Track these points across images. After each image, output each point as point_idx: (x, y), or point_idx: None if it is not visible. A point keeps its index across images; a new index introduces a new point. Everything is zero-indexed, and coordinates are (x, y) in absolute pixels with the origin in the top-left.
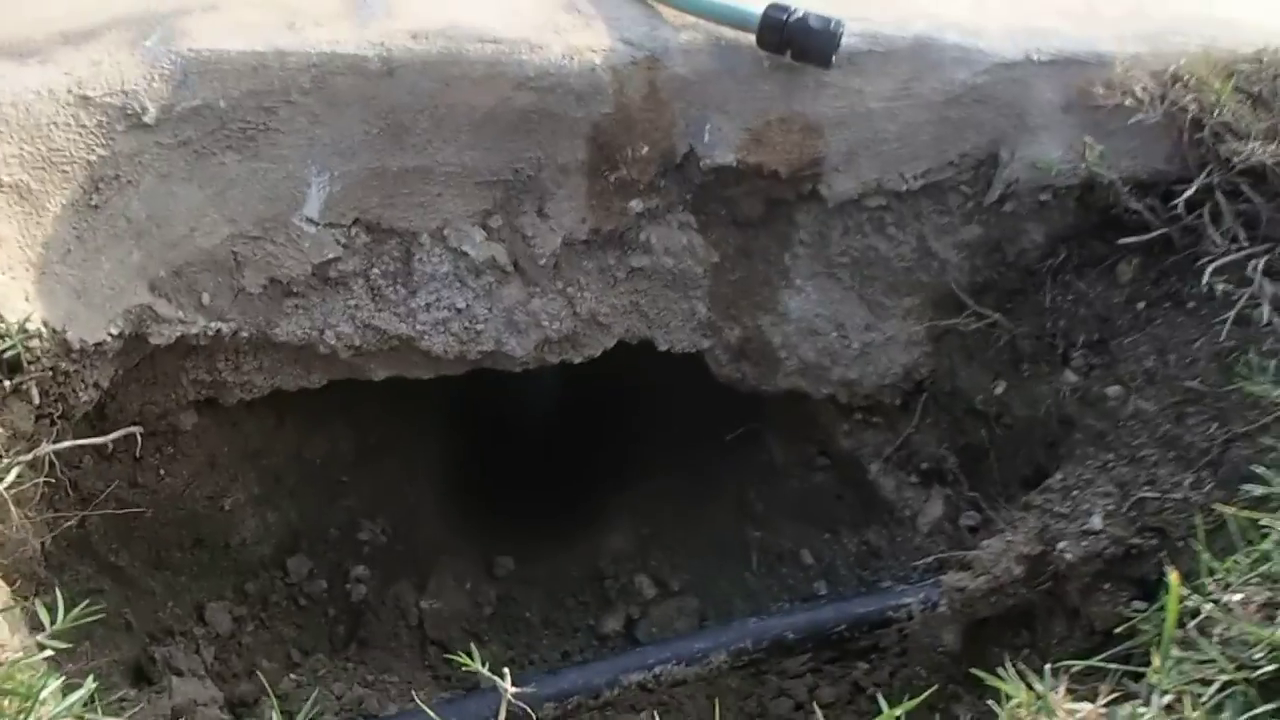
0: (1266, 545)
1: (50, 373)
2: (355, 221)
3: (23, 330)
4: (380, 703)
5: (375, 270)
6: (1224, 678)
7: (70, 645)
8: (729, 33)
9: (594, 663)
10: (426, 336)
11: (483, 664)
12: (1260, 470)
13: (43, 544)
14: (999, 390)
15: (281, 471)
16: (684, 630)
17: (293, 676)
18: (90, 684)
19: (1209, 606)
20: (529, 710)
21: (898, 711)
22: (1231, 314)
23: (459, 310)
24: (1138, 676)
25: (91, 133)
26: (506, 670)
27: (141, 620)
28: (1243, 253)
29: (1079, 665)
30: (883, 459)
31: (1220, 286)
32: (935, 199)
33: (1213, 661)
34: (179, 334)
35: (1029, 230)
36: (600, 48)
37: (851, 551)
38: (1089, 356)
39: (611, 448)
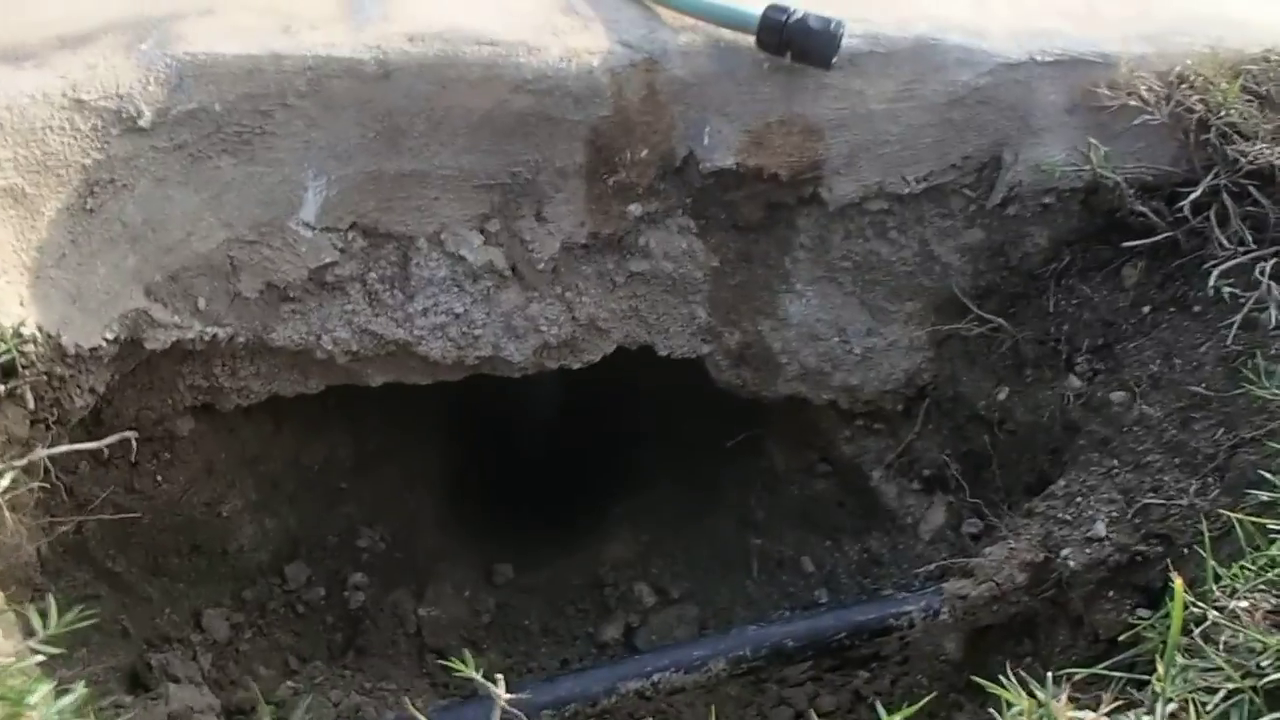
0: (1273, 551)
1: (45, 377)
2: (352, 226)
3: (17, 335)
4: (378, 710)
5: (372, 275)
6: (1230, 685)
7: (64, 651)
8: (728, 34)
9: (591, 670)
10: (424, 342)
11: (477, 670)
12: (1267, 475)
13: (39, 550)
14: (1002, 396)
15: (279, 478)
16: (684, 638)
17: (290, 684)
18: (81, 689)
19: (1214, 613)
20: (525, 718)
21: (897, 719)
22: (1238, 317)
23: (457, 315)
24: (1142, 685)
25: (86, 136)
26: (500, 677)
27: (138, 627)
28: (1250, 255)
29: (1082, 673)
30: (884, 466)
31: (1227, 290)
32: (937, 202)
33: (1218, 669)
34: (175, 339)
35: (1032, 233)
36: (598, 50)
37: (853, 559)
38: (1093, 361)
39: (611, 454)
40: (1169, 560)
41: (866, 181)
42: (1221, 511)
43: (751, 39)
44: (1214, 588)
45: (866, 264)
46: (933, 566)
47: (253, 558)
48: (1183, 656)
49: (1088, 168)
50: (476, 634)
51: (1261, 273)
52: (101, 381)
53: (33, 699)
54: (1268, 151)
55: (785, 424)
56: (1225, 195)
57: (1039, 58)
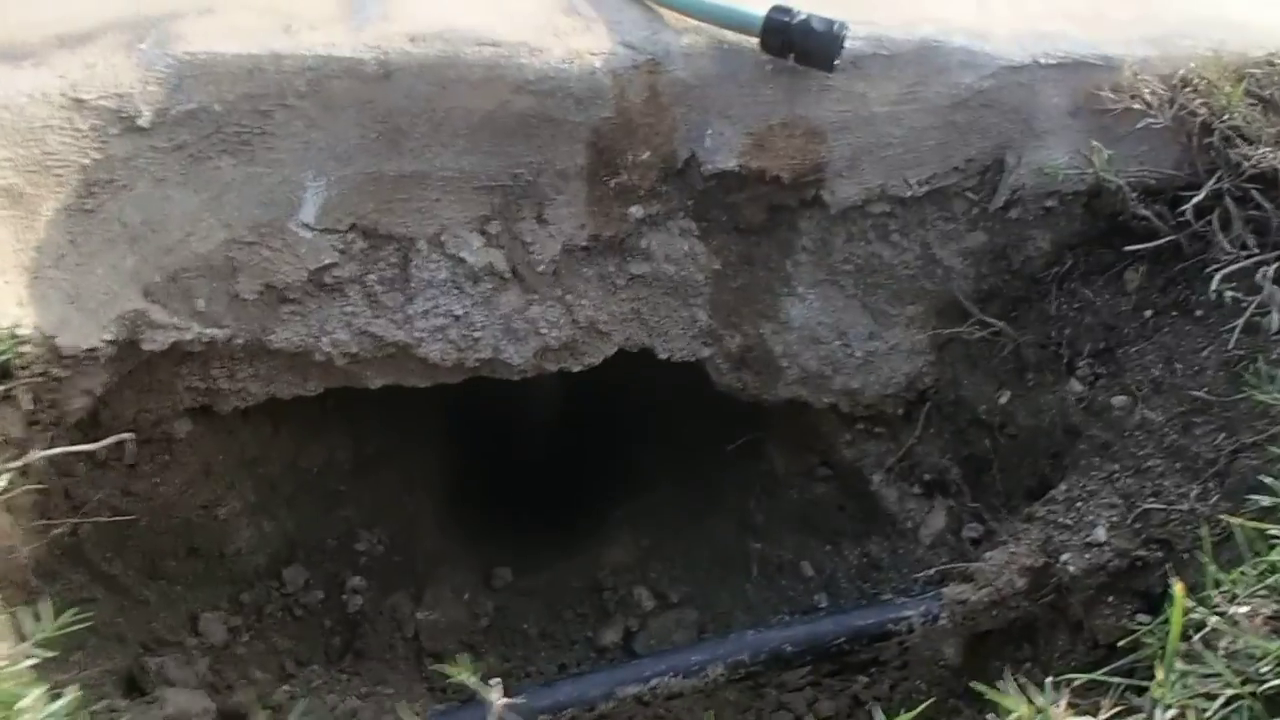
0: (1274, 557)
1: (42, 379)
2: (352, 227)
3: (14, 336)
4: (375, 714)
5: (372, 276)
6: (1229, 692)
7: (59, 654)
8: (731, 36)
9: (589, 675)
10: (423, 344)
11: (474, 674)
12: (1268, 481)
13: (35, 552)
14: (1003, 400)
15: (278, 480)
16: (683, 643)
17: (287, 687)
18: (73, 693)
19: (1214, 619)
20: None
21: None
22: (1240, 322)
23: (456, 317)
24: (1141, 690)
25: (85, 136)
26: (498, 681)
27: (135, 630)
28: (1252, 260)
29: (1081, 679)
30: (885, 469)
31: (1229, 294)
32: (940, 205)
33: (1218, 675)
34: (173, 340)
35: (1035, 237)
36: (600, 51)
37: (853, 563)
38: (1095, 366)
39: (611, 457)
40: (1169, 565)
41: (869, 184)
42: (1222, 517)
43: (754, 41)
44: (1214, 593)
45: (868, 267)
46: (933, 571)
47: (250, 561)
48: (1182, 662)
49: (1090, 171)
50: (475, 638)
51: (1264, 277)
52: (99, 383)
53: (24, 703)
54: (1271, 155)
55: (786, 427)
56: (1228, 199)
57: (1042, 60)
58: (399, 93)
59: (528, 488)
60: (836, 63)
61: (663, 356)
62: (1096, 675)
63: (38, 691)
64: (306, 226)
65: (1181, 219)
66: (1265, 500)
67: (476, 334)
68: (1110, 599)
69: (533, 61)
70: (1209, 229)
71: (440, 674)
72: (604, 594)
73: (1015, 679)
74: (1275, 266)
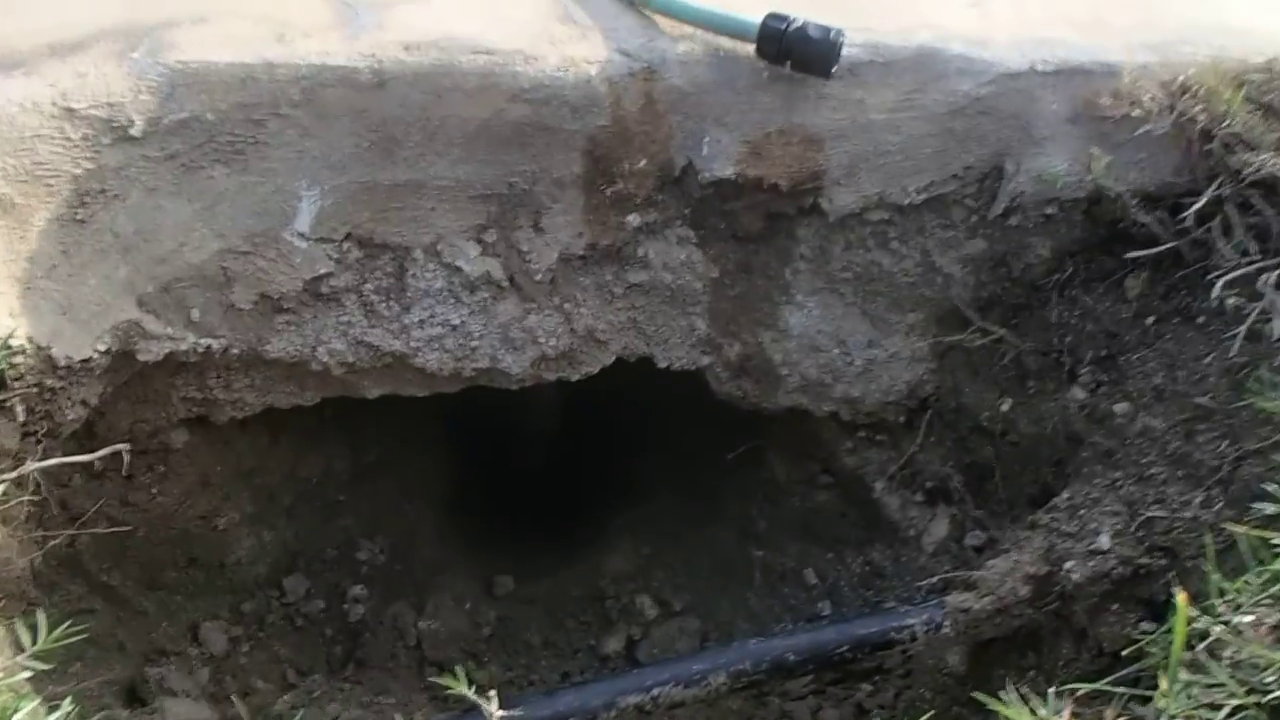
0: (1278, 565)
1: (35, 389)
2: (347, 236)
3: (6, 346)
4: None
5: (368, 286)
6: (1234, 702)
7: (56, 666)
8: (727, 43)
9: (590, 684)
10: (420, 353)
11: (470, 685)
12: (1272, 488)
13: (32, 563)
14: (1005, 407)
15: (276, 490)
16: (686, 651)
17: (288, 697)
18: (67, 706)
19: (1219, 628)
20: None
21: None
22: (1242, 329)
23: (453, 327)
24: (1145, 700)
25: (77, 146)
26: (494, 692)
27: (135, 640)
28: (1254, 266)
29: (1084, 688)
30: (887, 477)
31: (1231, 301)
32: (939, 213)
33: (1222, 685)
34: (168, 351)
35: (1035, 244)
36: (596, 59)
37: (855, 571)
38: (1096, 373)
39: (611, 466)
40: (1173, 573)
41: (867, 192)
42: (1225, 525)
43: (751, 48)
44: (1218, 602)
45: (867, 275)
46: (935, 579)
47: (250, 570)
48: (1186, 672)
49: (1090, 178)
50: (477, 647)
51: (1265, 283)
52: (93, 394)
53: (20, 715)
54: (1271, 161)
55: (786, 435)
56: (1229, 205)
57: (1041, 67)
58: (393, 101)
59: (528, 496)
60: (834, 70)
61: (662, 365)
62: (1100, 685)
63: (33, 703)
64: (301, 236)
65: (1182, 225)
66: (1269, 508)
67: (474, 343)
68: (1114, 607)
69: (528, 70)
70: (1210, 235)
71: (442, 683)
72: (606, 602)
73: (1018, 688)
74: (1277, 273)
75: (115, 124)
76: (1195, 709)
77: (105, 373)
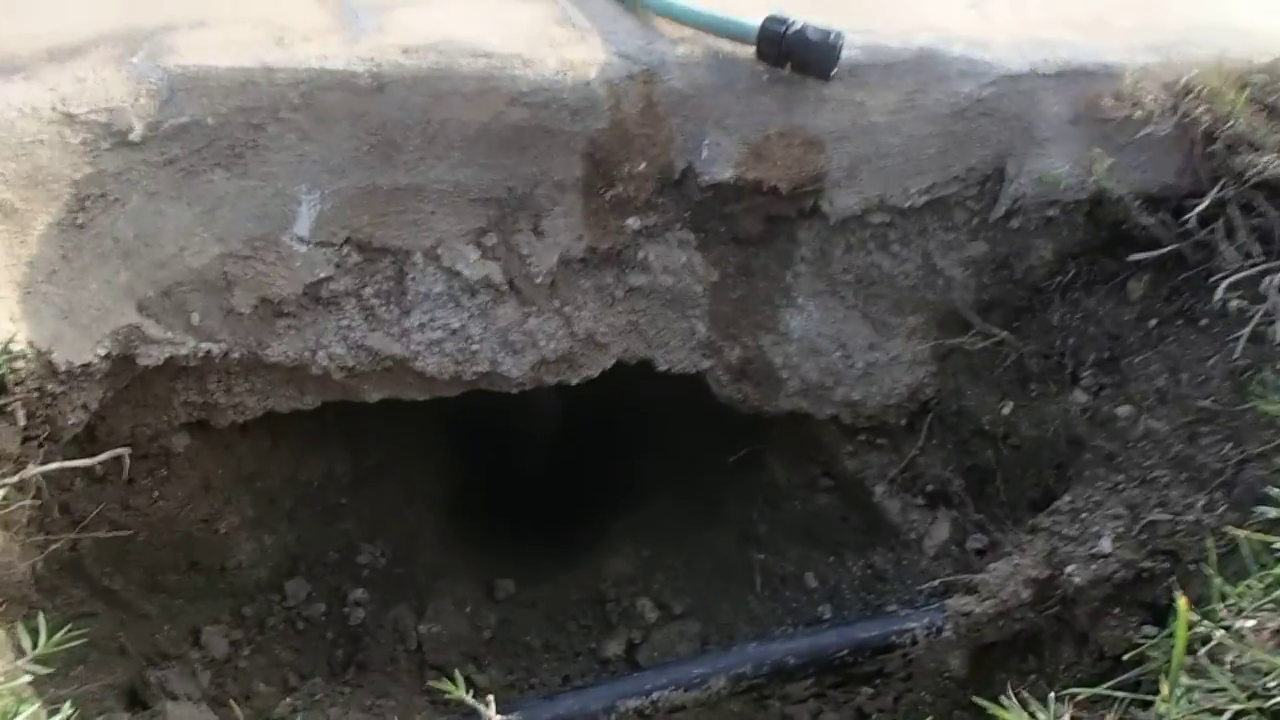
0: None
1: (36, 394)
2: (347, 240)
3: (7, 351)
4: None
5: (368, 290)
6: (1235, 707)
7: (58, 670)
8: (727, 45)
9: (591, 688)
10: (420, 357)
11: (471, 689)
12: (1274, 492)
13: (33, 567)
14: (1006, 410)
15: (277, 494)
16: (687, 654)
17: (289, 701)
18: (67, 710)
19: (1220, 633)
20: None
21: None
22: (1245, 331)
23: (453, 330)
24: (1147, 704)
25: (77, 150)
26: (491, 697)
27: (136, 644)
28: (1257, 268)
29: (1085, 692)
30: (888, 481)
31: (1234, 303)
32: (940, 215)
33: (1224, 690)
34: (168, 355)
35: (1036, 246)
36: (595, 62)
37: (856, 575)
38: (1099, 375)
39: (612, 469)
40: (1175, 577)
41: (868, 194)
42: (1228, 529)
43: (750, 50)
44: (1220, 606)
45: (868, 277)
46: (937, 582)
47: (252, 574)
48: (1188, 677)
49: (1092, 180)
50: (478, 650)
51: (1269, 285)
52: (94, 398)
53: (20, 719)
54: (1275, 163)
55: (787, 439)
56: (1232, 207)
57: (1042, 68)
58: (393, 105)
59: (528, 499)
60: (833, 72)
61: (662, 368)
62: (1101, 689)
63: (33, 707)
64: (301, 240)
65: (1185, 227)
66: (1272, 512)
67: (474, 347)
68: (1116, 611)
69: (527, 73)
70: (1213, 237)
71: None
72: (606, 605)
73: (1019, 692)
74: None
75: (115, 129)
76: (1196, 714)
77: (106, 377)
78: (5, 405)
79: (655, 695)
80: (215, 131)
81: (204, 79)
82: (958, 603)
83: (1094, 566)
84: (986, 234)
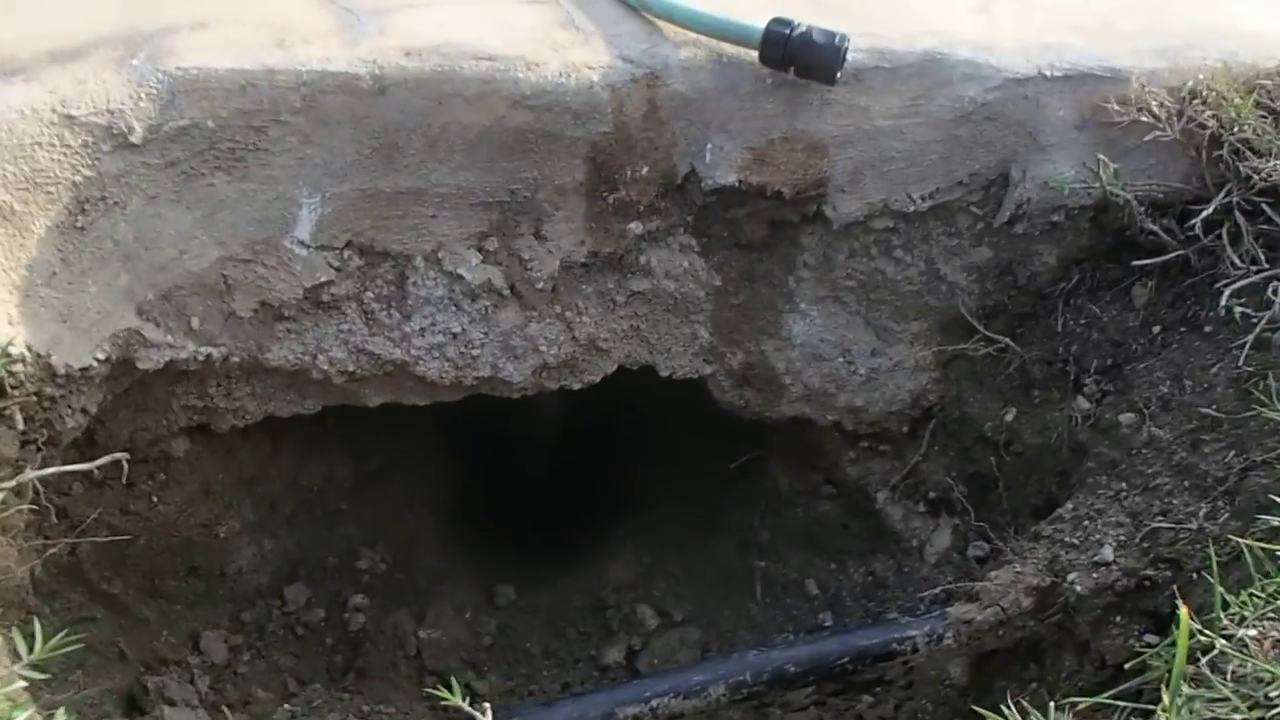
0: None
1: (35, 398)
2: (348, 244)
3: (6, 354)
4: None
5: (368, 294)
6: (1237, 717)
7: (54, 675)
8: (730, 49)
9: (588, 695)
10: (421, 362)
11: (469, 695)
12: (1278, 500)
13: (31, 571)
14: (1009, 417)
15: (278, 499)
16: (687, 661)
17: (288, 706)
18: (62, 716)
19: (1222, 642)
20: None
21: None
22: (1250, 338)
23: (454, 335)
24: (1148, 714)
25: (76, 153)
26: (488, 705)
27: (135, 649)
28: (1262, 275)
29: (1086, 701)
30: (890, 487)
31: (1239, 309)
32: (944, 220)
33: (1226, 699)
34: (168, 359)
35: (1041, 252)
36: (598, 65)
37: (857, 582)
38: (1102, 382)
39: (613, 474)
40: (1177, 586)
41: (871, 199)
42: (1231, 537)
43: (754, 54)
44: (1222, 615)
45: (871, 283)
46: (938, 590)
47: (251, 579)
48: (1189, 686)
49: (1097, 185)
50: (477, 656)
51: (1274, 292)
52: (93, 402)
53: None
54: None
55: (789, 445)
56: (1238, 213)
57: (1048, 73)
58: (394, 108)
59: (529, 505)
60: (838, 76)
61: (664, 374)
62: (1102, 698)
63: (28, 712)
64: (302, 244)
65: (1190, 233)
66: (1275, 520)
67: (475, 352)
68: (1118, 619)
69: (529, 76)
70: (1218, 244)
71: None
72: (607, 612)
73: (1019, 701)
74: None
75: (115, 131)
76: None
77: (105, 381)
78: (3, 409)
79: (655, 702)
80: (216, 134)
81: (205, 81)
82: (959, 610)
83: (1096, 575)
84: (990, 239)
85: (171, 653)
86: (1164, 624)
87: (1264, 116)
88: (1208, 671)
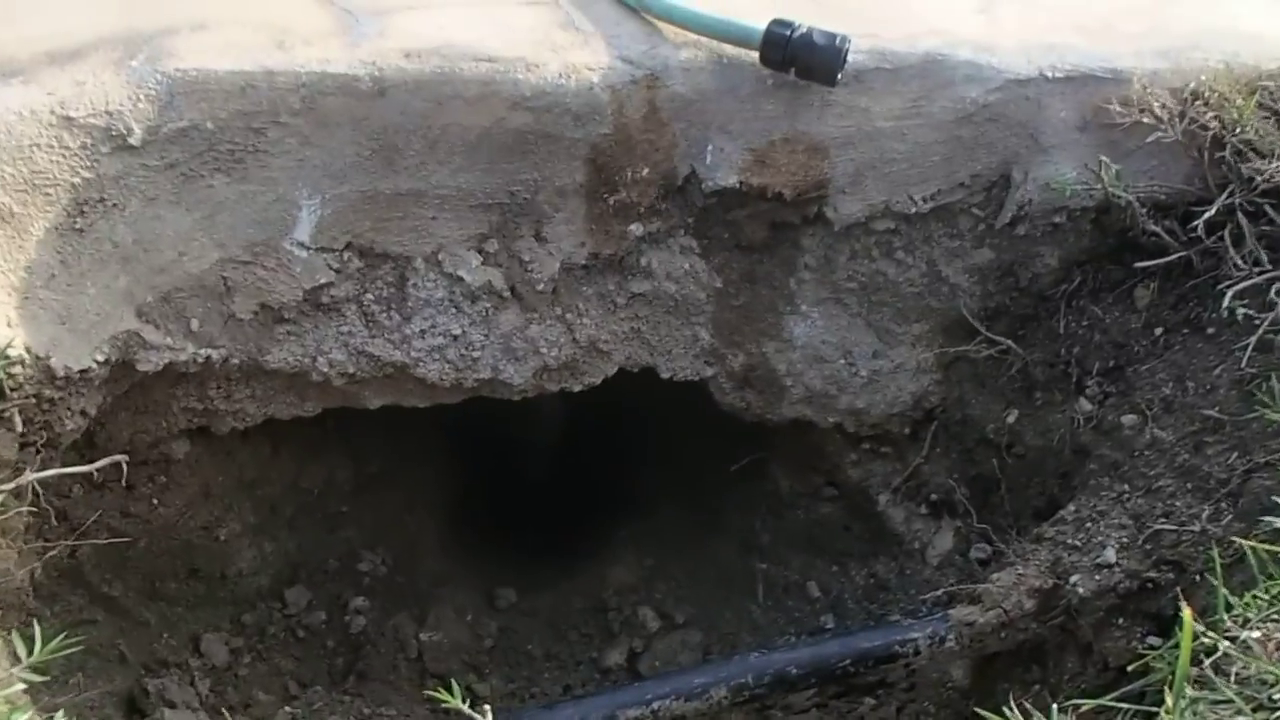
0: None
1: (34, 400)
2: (348, 246)
3: (4, 357)
4: None
5: (369, 296)
6: (1241, 719)
7: (54, 677)
8: (730, 50)
9: (590, 697)
10: (421, 364)
11: (470, 698)
12: None
13: (31, 574)
14: (1011, 419)
15: (278, 501)
16: (688, 664)
17: (289, 709)
18: (61, 718)
19: (1225, 644)
20: None
21: None
22: (1253, 339)
23: (455, 337)
24: (1151, 716)
25: (75, 155)
26: (488, 707)
27: (135, 651)
28: (1265, 276)
29: (1089, 704)
30: (891, 490)
31: (1241, 311)
32: (945, 222)
33: (1229, 702)
34: (167, 361)
35: (1042, 254)
36: (598, 66)
37: (859, 584)
38: (1104, 384)
39: (614, 477)
40: (1180, 588)
41: (873, 201)
42: (1234, 539)
43: (755, 55)
44: (1225, 617)
45: (873, 285)
46: (940, 592)
47: (252, 582)
48: (1192, 688)
49: (1099, 186)
50: (479, 659)
51: (1277, 294)
52: (93, 404)
53: None
54: None
55: (790, 447)
56: (1240, 214)
57: (1049, 74)
58: (394, 109)
59: (530, 507)
60: (839, 77)
61: (665, 376)
62: (1105, 700)
63: (27, 715)
64: (301, 245)
65: (1192, 235)
66: (1278, 522)
67: (475, 354)
68: (1120, 621)
69: (529, 77)
70: (1221, 245)
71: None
72: (608, 614)
73: (1022, 703)
74: None
75: (114, 133)
76: None
77: (104, 383)
78: (3, 411)
79: (656, 705)
80: (215, 136)
81: (204, 83)
82: (961, 613)
83: (1098, 577)
84: (992, 241)
85: (172, 655)
86: (1167, 626)
87: (1266, 118)
88: (1211, 674)
